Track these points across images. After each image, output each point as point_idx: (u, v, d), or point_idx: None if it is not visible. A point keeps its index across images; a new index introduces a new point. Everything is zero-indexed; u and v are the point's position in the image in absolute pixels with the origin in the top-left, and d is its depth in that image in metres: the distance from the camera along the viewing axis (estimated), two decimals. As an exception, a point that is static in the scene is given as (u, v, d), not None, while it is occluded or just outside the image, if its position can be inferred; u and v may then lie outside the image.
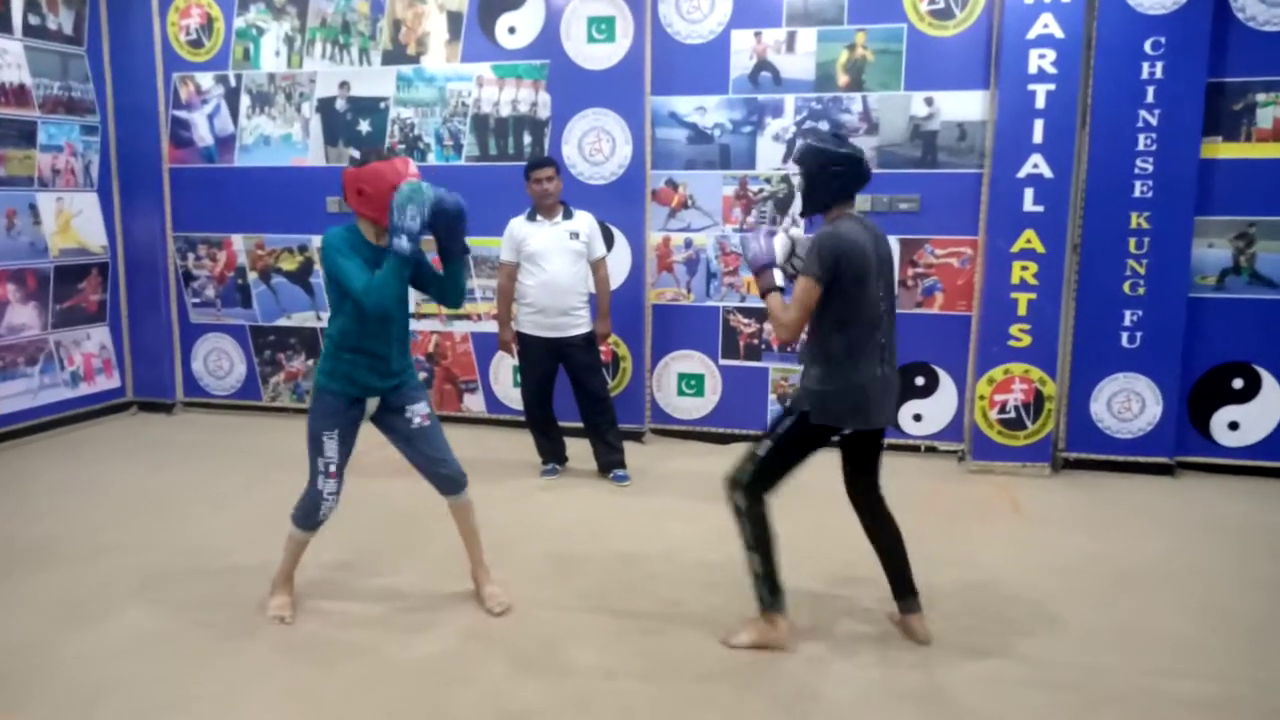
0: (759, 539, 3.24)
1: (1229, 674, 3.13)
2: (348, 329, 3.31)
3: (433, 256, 3.45)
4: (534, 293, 4.99)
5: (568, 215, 5.03)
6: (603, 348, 5.29)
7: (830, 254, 3.05)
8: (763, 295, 3.22)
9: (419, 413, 3.48)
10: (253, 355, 6.68)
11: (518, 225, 5.03)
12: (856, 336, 3.13)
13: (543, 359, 5.07)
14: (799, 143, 3.31)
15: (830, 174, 3.15)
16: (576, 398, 5.15)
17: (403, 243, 3.15)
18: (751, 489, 3.24)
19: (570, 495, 4.95)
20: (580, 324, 5.04)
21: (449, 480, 3.54)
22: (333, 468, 3.37)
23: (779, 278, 3.20)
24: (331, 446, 3.35)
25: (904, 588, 3.35)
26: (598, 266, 5.14)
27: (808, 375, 3.22)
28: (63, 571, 3.90)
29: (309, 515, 3.43)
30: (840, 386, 3.14)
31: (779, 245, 3.23)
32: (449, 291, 3.47)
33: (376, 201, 3.24)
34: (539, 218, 5.00)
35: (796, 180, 3.29)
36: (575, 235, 4.99)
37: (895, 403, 3.27)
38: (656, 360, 5.98)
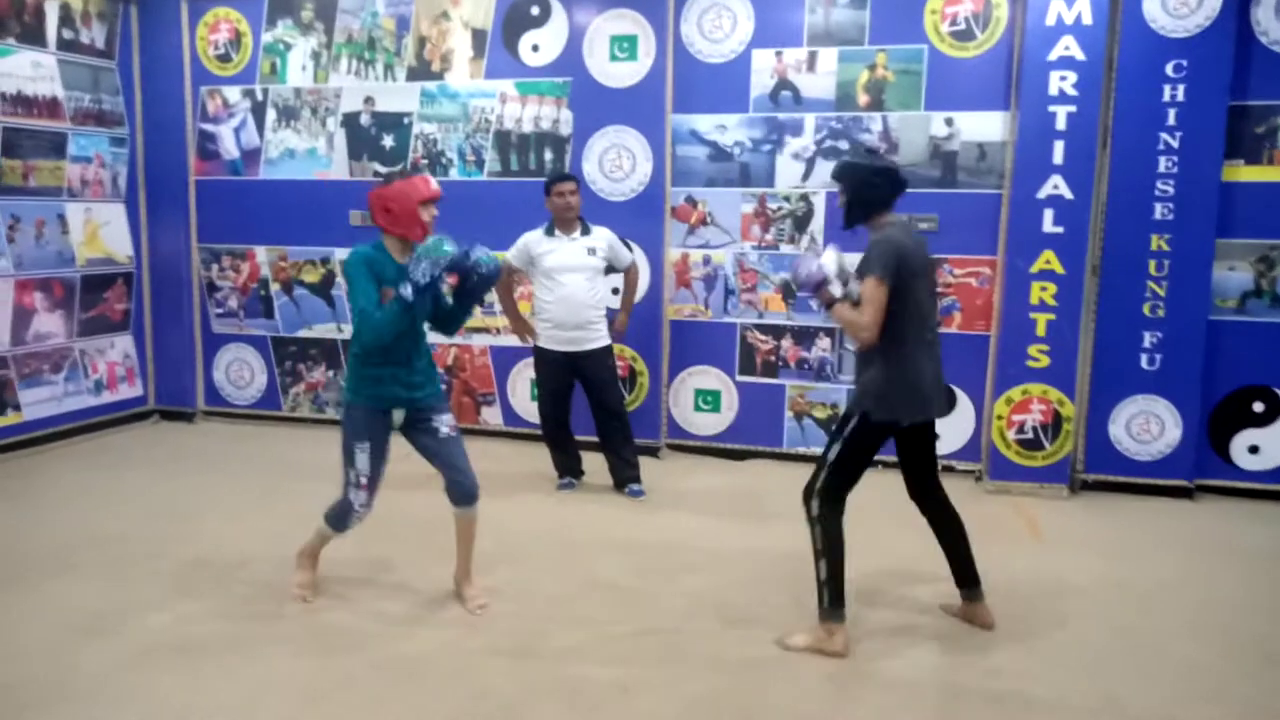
0: (829, 547, 3.36)
1: (1242, 701, 3.10)
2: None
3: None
4: (551, 308, 5.01)
5: (585, 231, 5.06)
6: (617, 329, 5.27)
7: (892, 255, 3.22)
8: (828, 308, 3.36)
9: (446, 423, 3.60)
10: (274, 366, 6.75)
11: (534, 238, 5.06)
12: (911, 334, 3.30)
13: (559, 373, 5.09)
14: (839, 161, 3.47)
15: (872, 186, 3.33)
16: (593, 412, 5.17)
17: (407, 290, 3.25)
18: (825, 495, 3.37)
19: (585, 509, 4.96)
20: (597, 338, 5.06)
21: (465, 493, 3.62)
22: (364, 479, 3.49)
23: (838, 289, 3.34)
24: (363, 459, 3.48)
25: (968, 577, 3.56)
26: (629, 271, 5.22)
27: (865, 375, 3.36)
28: (81, 578, 3.95)
29: (339, 521, 3.58)
30: (899, 382, 3.30)
31: (829, 261, 3.36)
32: (448, 324, 3.61)
33: (403, 218, 3.36)
34: (557, 233, 5.03)
35: (839, 197, 3.44)
36: (593, 251, 5.02)
37: (945, 397, 3.49)
38: (673, 376, 6.00)
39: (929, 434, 3.52)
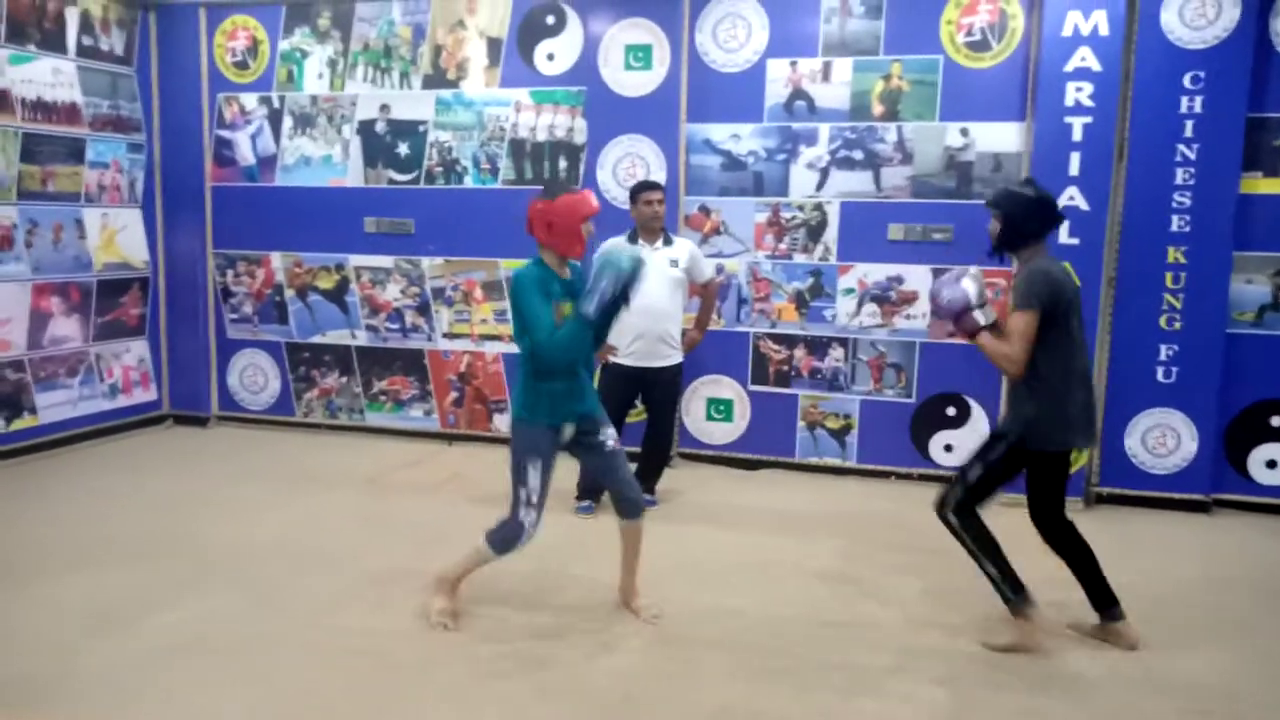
0: (983, 546, 3.47)
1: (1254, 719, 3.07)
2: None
3: None
4: (630, 317, 4.81)
5: (668, 242, 4.97)
6: (688, 343, 5.17)
7: (1046, 288, 3.28)
8: (971, 338, 3.44)
9: (611, 436, 3.60)
10: (287, 371, 6.77)
11: (615, 245, 4.92)
12: (1068, 364, 3.36)
13: (625, 389, 4.96)
14: (999, 187, 3.54)
15: (1030, 216, 3.38)
16: (648, 424, 5.11)
17: (591, 308, 3.24)
18: (960, 509, 3.47)
19: (598, 518, 4.92)
20: (672, 355, 4.95)
21: (635, 505, 3.64)
22: (534, 498, 3.44)
23: (982, 318, 3.39)
24: (535, 477, 3.43)
25: (1104, 599, 3.54)
26: (708, 285, 5.15)
27: (1024, 405, 3.40)
28: (92, 577, 3.97)
29: (506, 544, 3.49)
30: (1058, 413, 3.37)
31: (971, 287, 3.39)
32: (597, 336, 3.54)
33: (566, 234, 3.37)
34: (640, 241, 4.90)
35: (991, 223, 3.48)
36: (675, 263, 4.90)
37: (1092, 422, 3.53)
38: (686, 384, 5.98)
39: (1066, 460, 3.52)
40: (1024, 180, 3.55)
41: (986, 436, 3.56)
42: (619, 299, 3.30)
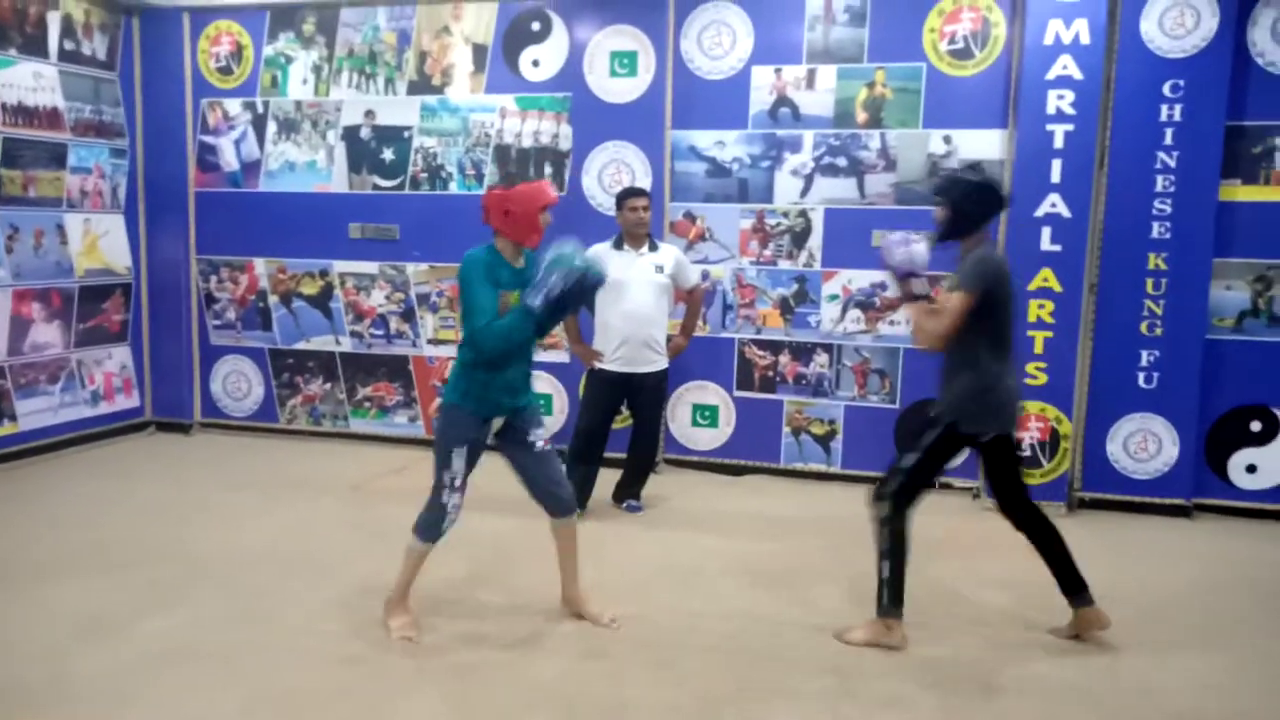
0: (894, 549, 3.48)
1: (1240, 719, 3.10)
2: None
3: None
4: (616, 322, 4.89)
5: (653, 248, 4.99)
6: (673, 349, 5.18)
7: (993, 275, 3.33)
8: (904, 301, 3.51)
9: (541, 436, 3.59)
10: (271, 378, 6.74)
11: (602, 251, 4.86)
12: (1001, 351, 3.40)
13: (611, 395, 4.97)
14: (940, 174, 3.54)
15: (974, 203, 3.41)
16: (633, 430, 5.13)
17: (536, 301, 3.23)
18: (896, 500, 3.45)
19: (582, 523, 4.91)
20: (657, 360, 4.96)
21: (562, 502, 3.62)
22: (458, 482, 3.45)
23: (920, 287, 3.44)
24: (459, 462, 3.44)
25: (1073, 584, 3.56)
26: (694, 292, 5.16)
27: (955, 386, 3.43)
28: (78, 584, 3.94)
29: (432, 529, 3.49)
30: (989, 396, 3.40)
31: (919, 255, 3.43)
32: (539, 331, 3.49)
33: (522, 222, 3.35)
34: (626, 247, 4.92)
35: (938, 210, 3.52)
36: (660, 268, 4.92)
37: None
38: (671, 390, 5.99)
39: (1011, 444, 3.55)
40: (968, 166, 3.60)
41: (922, 425, 3.56)
42: (569, 298, 3.27)
